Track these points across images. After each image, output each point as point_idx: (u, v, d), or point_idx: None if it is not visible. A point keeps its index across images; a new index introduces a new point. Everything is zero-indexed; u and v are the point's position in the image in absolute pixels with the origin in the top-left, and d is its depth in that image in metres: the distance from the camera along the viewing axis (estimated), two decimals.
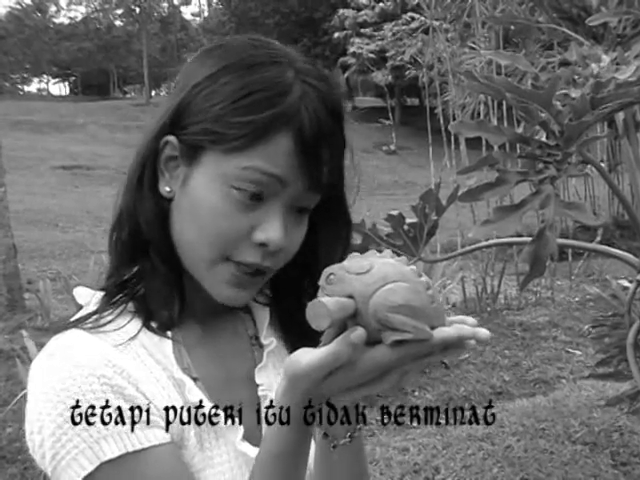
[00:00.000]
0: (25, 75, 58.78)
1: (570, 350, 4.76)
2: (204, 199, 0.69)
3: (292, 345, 0.82)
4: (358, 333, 0.55)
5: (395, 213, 1.06)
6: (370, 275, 0.56)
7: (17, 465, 3.10)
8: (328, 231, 0.77)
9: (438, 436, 3.32)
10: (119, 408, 0.65)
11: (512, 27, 1.49)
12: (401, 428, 3.51)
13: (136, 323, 0.72)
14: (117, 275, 0.74)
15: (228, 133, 0.67)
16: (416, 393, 3.98)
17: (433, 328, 0.56)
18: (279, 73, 0.68)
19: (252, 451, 0.72)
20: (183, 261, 0.73)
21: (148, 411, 0.67)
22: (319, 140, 0.68)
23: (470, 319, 0.59)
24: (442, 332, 0.56)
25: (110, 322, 0.71)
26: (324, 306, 0.54)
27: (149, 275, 0.73)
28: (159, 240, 0.72)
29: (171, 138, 0.71)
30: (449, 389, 4.02)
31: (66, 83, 64.10)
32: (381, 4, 27.07)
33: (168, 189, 0.72)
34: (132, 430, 0.65)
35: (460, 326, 0.57)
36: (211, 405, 0.72)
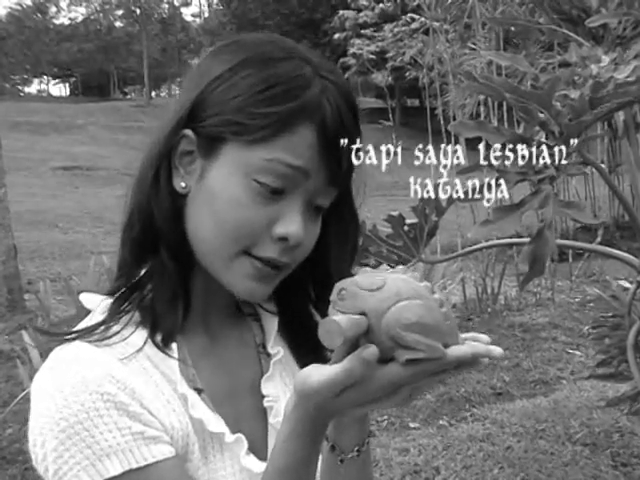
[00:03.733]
0: (25, 76, 58.76)
1: (570, 351, 4.76)
2: (223, 191, 0.68)
3: (297, 352, 0.81)
4: (371, 351, 0.55)
5: (395, 214, 1.06)
6: (383, 291, 0.56)
7: (17, 466, 3.10)
8: (338, 232, 0.77)
9: (438, 437, 3.32)
10: (123, 425, 0.64)
11: (512, 28, 1.49)
12: (401, 429, 3.52)
13: (141, 334, 0.70)
14: (126, 276, 0.73)
15: (251, 124, 0.67)
16: None
17: (446, 346, 0.56)
18: (298, 67, 0.69)
19: (257, 465, 0.72)
20: (199, 258, 0.71)
21: (152, 427, 0.66)
22: (341, 133, 0.68)
23: (484, 337, 0.59)
24: (456, 350, 0.56)
25: (117, 333, 0.69)
26: (337, 324, 0.53)
27: (157, 274, 0.72)
28: (173, 237, 0.71)
29: (188, 132, 0.70)
30: (449, 390, 4.02)
31: (66, 84, 64.10)
32: (381, 5, 27.08)
33: (183, 184, 0.71)
34: (136, 446, 0.64)
35: (474, 344, 0.57)
36: (215, 419, 0.71)
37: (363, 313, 0.55)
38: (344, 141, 0.69)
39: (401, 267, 0.60)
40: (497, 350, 0.57)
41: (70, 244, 10.27)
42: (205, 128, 0.69)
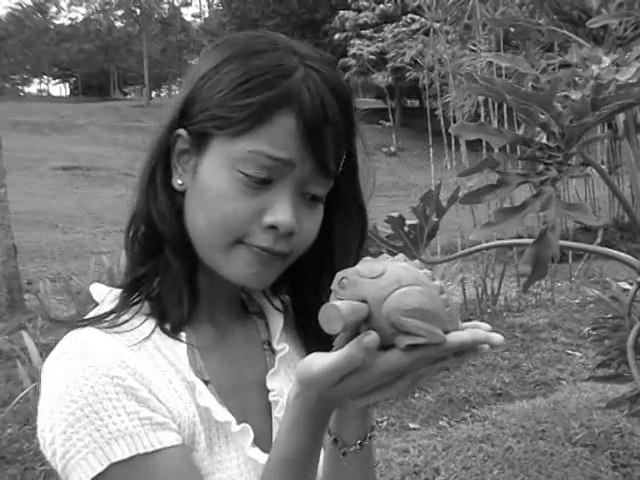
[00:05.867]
0: (25, 76, 58.77)
1: (570, 352, 4.76)
2: (212, 184, 0.69)
3: (308, 348, 0.81)
4: (372, 337, 0.55)
5: (395, 215, 1.05)
6: (383, 279, 0.56)
7: (17, 466, 3.10)
8: (343, 225, 0.77)
9: (438, 437, 3.32)
10: (132, 409, 0.65)
11: (512, 29, 1.49)
12: (401, 429, 3.52)
13: (150, 323, 0.72)
14: (134, 273, 0.74)
15: (231, 117, 0.68)
16: (416, 394, 3.98)
17: (447, 332, 0.56)
18: (282, 57, 0.69)
19: (262, 457, 0.72)
20: (198, 252, 0.72)
21: (160, 413, 0.67)
22: (323, 120, 0.68)
23: (484, 324, 0.59)
24: (456, 336, 0.56)
25: (126, 322, 0.71)
26: (337, 309, 0.54)
27: (163, 271, 0.73)
28: (173, 234, 0.72)
29: (181, 131, 0.72)
30: (449, 390, 4.02)
31: (66, 84, 64.11)
32: (381, 6, 27.06)
33: (180, 182, 0.72)
34: (143, 432, 0.65)
35: (474, 330, 0.57)
36: (222, 410, 0.72)
37: (364, 300, 0.56)
38: (328, 128, 0.68)
39: (401, 255, 0.60)
40: (497, 337, 0.57)
41: (70, 244, 10.27)
42: (194, 125, 0.71)
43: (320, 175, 0.71)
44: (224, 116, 0.68)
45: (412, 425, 3.57)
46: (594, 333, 2.09)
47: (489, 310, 5.91)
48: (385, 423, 3.59)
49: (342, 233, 0.77)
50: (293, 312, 0.83)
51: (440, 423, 3.58)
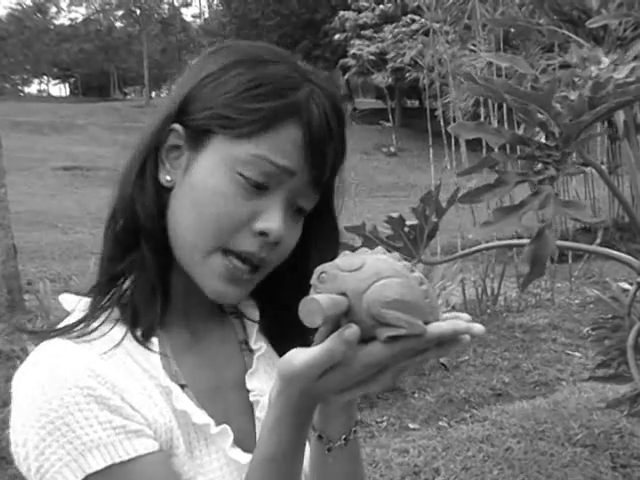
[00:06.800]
0: (25, 76, 58.75)
1: (570, 352, 4.76)
2: (207, 183, 0.69)
3: (280, 351, 0.81)
4: (352, 330, 0.55)
5: (395, 215, 1.05)
6: (362, 271, 0.56)
7: (16, 466, 3.09)
8: (319, 237, 0.78)
9: (438, 438, 3.32)
10: (104, 419, 0.64)
11: (512, 29, 1.49)
12: (401, 430, 3.52)
13: (121, 329, 0.70)
14: (107, 273, 0.73)
15: (239, 118, 0.68)
16: (416, 395, 3.98)
17: (427, 323, 0.56)
18: (288, 70, 0.70)
19: (243, 457, 0.72)
20: (176, 254, 0.72)
21: (134, 421, 0.66)
22: (327, 135, 0.70)
23: (464, 315, 0.59)
24: (437, 327, 0.56)
25: (96, 329, 0.69)
26: (317, 303, 0.53)
27: (137, 268, 0.72)
28: (154, 229, 0.71)
29: (177, 126, 0.71)
30: (449, 391, 4.02)
31: (66, 84, 64.11)
32: (381, 6, 27.08)
33: (169, 178, 0.72)
34: (118, 441, 0.64)
35: (455, 321, 0.57)
36: (200, 412, 0.71)
37: (343, 294, 0.56)
38: (330, 144, 0.70)
39: (380, 248, 0.60)
40: (477, 327, 0.57)
41: (70, 244, 10.28)
42: (194, 121, 0.71)
43: (314, 189, 0.72)
44: (230, 116, 0.68)
45: (412, 425, 3.57)
46: (594, 333, 2.09)
47: (489, 310, 5.91)
48: (385, 423, 3.60)
49: (318, 253, 0.76)
50: (264, 319, 0.83)
51: (440, 423, 3.58)
